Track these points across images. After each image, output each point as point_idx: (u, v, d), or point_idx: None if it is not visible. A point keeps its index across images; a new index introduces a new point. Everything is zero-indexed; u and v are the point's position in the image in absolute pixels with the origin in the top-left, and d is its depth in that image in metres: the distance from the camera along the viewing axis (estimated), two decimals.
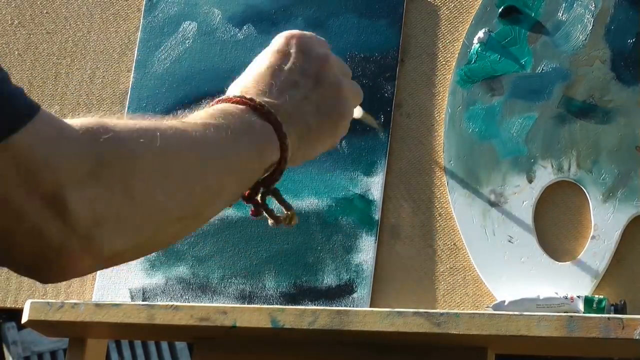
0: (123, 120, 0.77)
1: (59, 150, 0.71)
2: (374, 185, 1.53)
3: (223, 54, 1.66)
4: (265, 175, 0.89)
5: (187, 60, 1.66)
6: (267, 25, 1.65)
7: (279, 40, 0.94)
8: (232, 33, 1.66)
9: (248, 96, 0.88)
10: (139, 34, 1.72)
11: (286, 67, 0.92)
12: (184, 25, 1.68)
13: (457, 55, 1.56)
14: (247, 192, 0.90)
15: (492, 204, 1.49)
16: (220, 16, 1.67)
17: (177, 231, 0.81)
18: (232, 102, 0.88)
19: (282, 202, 0.92)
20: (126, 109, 1.69)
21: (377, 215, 1.52)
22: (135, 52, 1.71)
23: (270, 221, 0.92)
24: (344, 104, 0.95)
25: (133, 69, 1.69)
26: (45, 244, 0.71)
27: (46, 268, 0.73)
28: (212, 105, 0.88)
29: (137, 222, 0.75)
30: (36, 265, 0.73)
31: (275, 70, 0.92)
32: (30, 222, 0.70)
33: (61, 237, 0.71)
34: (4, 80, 0.71)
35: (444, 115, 1.55)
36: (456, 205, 1.51)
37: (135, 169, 0.75)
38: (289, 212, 0.92)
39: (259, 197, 0.91)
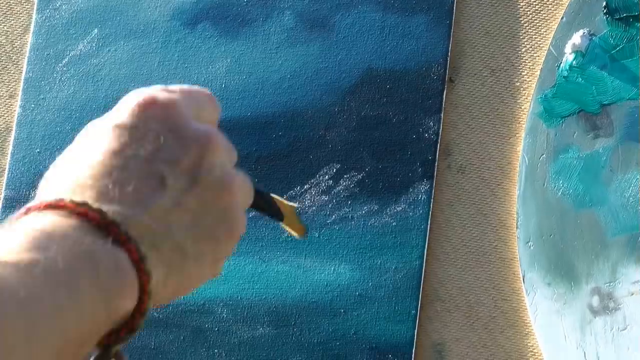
0: None
1: None
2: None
3: (164, 67, 1.22)
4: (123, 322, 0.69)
5: (107, 78, 1.22)
6: (235, 24, 1.23)
7: (126, 105, 0.66)
8: (180, 35, 1.23)
9: (81, 200, 0.63)
10: (29, 36, 1.25)
11: (144, 154, 0.66)
12: (100, 25, 1.24)
13: (538, 71, 1.24)
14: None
15: (596, 311, 1.23)
16: (159, 12, 1.24)
17: None
18: (60, 209, 0.63)
19: None
20: (9, 157, 1.21)
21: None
22: (25, 64, 1.24)
23: None
24: (235, 212, 0.71)
25: (20, 92, 1.23)
26: None
27: None
28: (32, 211, 0.63)
29: None
30: None
31: (127, 159, 0.66)
32: None
33: None
34: None
35: (517, 169, 1.26)
36: (538, 315, 1.22)
37: None
38: None
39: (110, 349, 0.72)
